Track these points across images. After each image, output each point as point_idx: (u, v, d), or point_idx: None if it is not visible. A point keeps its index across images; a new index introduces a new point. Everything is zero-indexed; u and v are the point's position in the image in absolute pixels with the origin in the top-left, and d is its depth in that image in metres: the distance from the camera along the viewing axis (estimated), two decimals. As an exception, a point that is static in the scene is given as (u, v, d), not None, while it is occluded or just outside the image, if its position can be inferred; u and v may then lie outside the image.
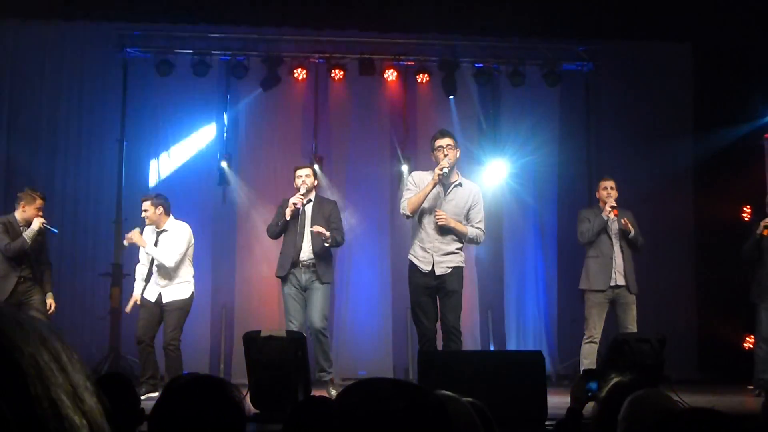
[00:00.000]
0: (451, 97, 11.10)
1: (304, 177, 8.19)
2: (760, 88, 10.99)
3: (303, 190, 8.10)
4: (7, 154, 10.58)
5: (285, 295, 8.10)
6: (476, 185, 7.75)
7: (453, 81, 11.01)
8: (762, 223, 8.69)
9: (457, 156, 7.40)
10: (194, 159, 10.90)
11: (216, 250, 10.77)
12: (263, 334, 6.92)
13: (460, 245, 7.43)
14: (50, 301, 8.32)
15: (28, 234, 8.03)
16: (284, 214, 8.09)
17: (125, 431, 3.21)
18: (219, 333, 10.66)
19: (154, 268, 8.33)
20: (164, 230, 8.36)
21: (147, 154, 10.89)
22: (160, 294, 8.26)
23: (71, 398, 0.76)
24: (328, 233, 7.89)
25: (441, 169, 7.15)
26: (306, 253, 8.05)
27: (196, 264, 8.61)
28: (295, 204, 8.03)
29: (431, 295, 7.38)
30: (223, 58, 10.93)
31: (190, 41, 10.79)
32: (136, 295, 8.48)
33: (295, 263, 8.04)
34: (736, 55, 11.15)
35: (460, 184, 7.41)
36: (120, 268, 10.41)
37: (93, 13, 10.76)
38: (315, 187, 8.35)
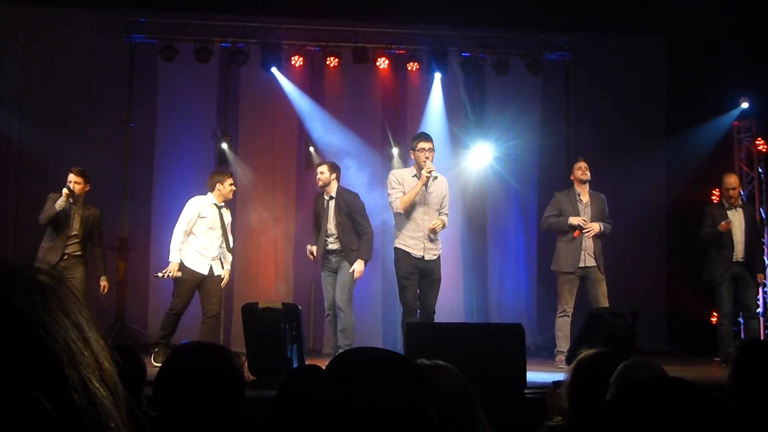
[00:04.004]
0: (439, 75, 11.07)
1: (319, 174, 8.36)
2: (731, 79, 10.99)
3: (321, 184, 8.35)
4: (18, 135, 10.50)
5: (322, 278, 8.46)
6: (443, 176, 8.22)
7: (443, 64, 11.00)
8: (724, 222, 8.75)
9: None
10: (196, 140, 10.85)
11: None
12: (261, 305, 6.94)
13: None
14: (104, 283, 8.46)
15: (58, 203, 8.04)
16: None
17: (132, 397, 3.21)
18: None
19: (220, 243, 8.27)
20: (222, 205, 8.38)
21: (151, 135, 10.84)
22: (211, 267, 8.19)
23: (95, 372, 0.75)
24: (361, 269, 8.21)
25: (429, 172, 7.73)
26: (332, 246, 8.26)
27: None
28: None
29: (417, 275, 7.91)
30: (224, 45, 10.86)
31: (192, 29, 10.71)
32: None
33: (327, 257, 8.33)
34: (709, 47, 11.16)
35: (436, 177, 7.92)
36: (126, 242, 10.39)
37: (101, 1, 10.69)
38: (333, 179, 8.36)
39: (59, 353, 0.72)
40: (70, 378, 0.72)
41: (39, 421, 0.68)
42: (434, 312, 7.91)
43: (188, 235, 8.16)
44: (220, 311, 8.43)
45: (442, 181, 8.05)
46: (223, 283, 8.28)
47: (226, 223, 8.32)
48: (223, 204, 8.30)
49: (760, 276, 8.99)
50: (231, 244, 8.40)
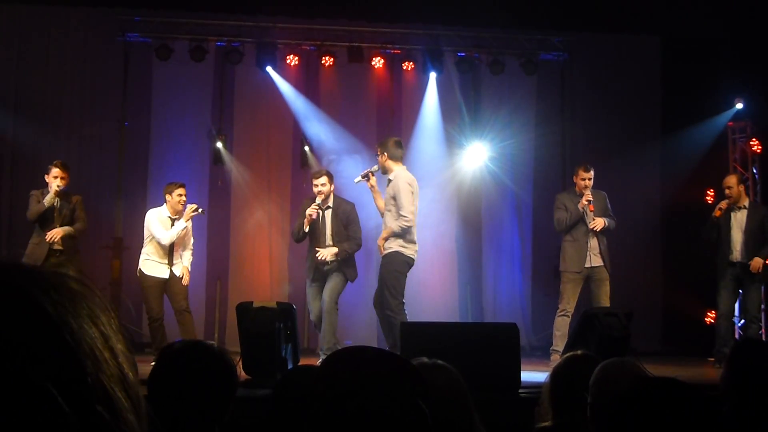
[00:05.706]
0: (434, 74, 11.05)
1: (320, 186, 8.08)
2: (726, 79, 11.02)
3: (318, 201, 8.06)
4: (13, 133, 10.47)
5: (307, 287, 8.28)
6: (396, 177, 8.02)
7: (439, 63, 11.00)
8: (718, 206, 8.79)
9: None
10: (191, 139, 10.84)
11: (211, 226, 10.74)
12: (255, 305, 6.93)
13: None
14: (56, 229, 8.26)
15: (46, 199, 8.10)
16: (303, 223, 8.11)
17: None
18: (214, 304, 10.66)
19: (177, 250, 8.31)
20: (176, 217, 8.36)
21: (146, 134, 10.83)
22: (171, 270, 8.25)
23: (119, 383, 0.75)
24: (335, 252, 7.98)
25: (365, 176, 8.17)
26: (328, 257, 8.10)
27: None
28: (310, 215, 8.04)
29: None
30: (219, 44, 10.85)
31: (187, 27, 10.70)
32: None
33: (319, 267, 8.10)
34: (703, 47, 11.20)
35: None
36: (121, 241, 10.38)
37: None
38: (332, 191, 8.25)
39: (84, 360, 0.72)
40: (92, 385, 0.72)
41: (57, 426, 0.68)
42: (389, 311, 7.74)
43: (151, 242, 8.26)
44: (189, 304, 8.42)
45: (394, 181, 7.88)
46: (184, 281, 8.25)
47: (184, 233, 8.33)
48: (177, 216, 8.26)
49: (756, 260, 8.74)
50: (191, 247, 8.45)
